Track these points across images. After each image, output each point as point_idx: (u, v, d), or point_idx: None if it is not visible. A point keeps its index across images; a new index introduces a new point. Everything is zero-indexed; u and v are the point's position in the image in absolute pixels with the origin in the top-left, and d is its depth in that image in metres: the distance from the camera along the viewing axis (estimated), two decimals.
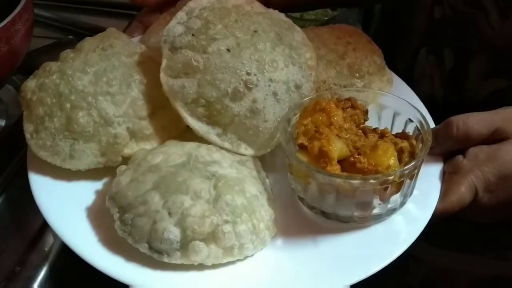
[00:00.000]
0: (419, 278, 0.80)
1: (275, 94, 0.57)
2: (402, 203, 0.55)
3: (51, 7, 0.98)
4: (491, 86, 0.69)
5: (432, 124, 0.60)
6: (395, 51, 0.78)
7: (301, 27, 0.65)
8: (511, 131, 0.56)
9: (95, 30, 0.68)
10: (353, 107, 0.58)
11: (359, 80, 0.66)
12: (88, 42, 0.62)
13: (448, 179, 0.57)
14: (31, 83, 0.59)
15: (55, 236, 0.58)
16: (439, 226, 0.54)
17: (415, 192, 0.56)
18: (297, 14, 1.08)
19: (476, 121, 0.57)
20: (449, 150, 0.59)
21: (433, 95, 0.73)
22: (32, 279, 0.56)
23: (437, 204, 0.55)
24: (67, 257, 0.56)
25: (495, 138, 0.57)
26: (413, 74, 0.75)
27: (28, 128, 0.58)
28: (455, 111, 0.59)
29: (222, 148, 0.58)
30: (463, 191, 0.55)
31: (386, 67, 0.69)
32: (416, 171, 0.53)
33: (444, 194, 0.56)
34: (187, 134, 0.59)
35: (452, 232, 0.68)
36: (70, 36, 0.89)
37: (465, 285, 0.75)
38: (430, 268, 0.78)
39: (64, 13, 0.97)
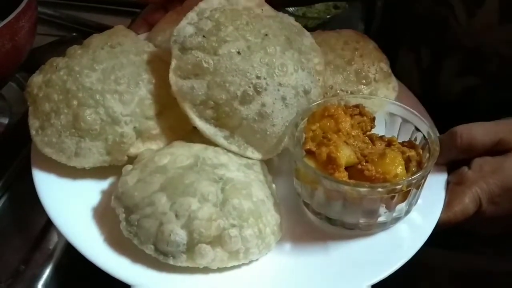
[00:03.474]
0: (397, 274, 0.81)
1: (283, 98, 0.57)
2: (407, 212, 0.55)
3: (54, 4, 0.97)
4: (463, 83, 0.71)
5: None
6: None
7: (304, 25, 0.66)
8: None
9: (98, 28, 0.68)
10: (361, 114, 0.58)
11: (365, 87, 0.66)
12: (96, 39, 0.61)
13: (452, 190, 0.57)
14: (37, 79, 0.58)
15: (60, 234, 0.57)
16: None
17: (419, 201, 0.56)
18: (300, 12, 1.08)
19: (480, 132, 0.58)
20: (452, 159, 0.59)
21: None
22: (37, 277, 0.56)
23: (440, 214, 0.56)
24: (72, 256, 0.55)
25: (498, 148, 0.58)
26: (394, 70, 0.76)
27: (33, 124, 0.57)
28: (431, 108, 0.60)
29: (229, 151, 0.57)
30: (467, 202, 0.56)
31: (392, 75, 0.69)
32: (423, 181, 0.54)
33: (448, 204, 0.56)
34: (193, 135, 0.59)
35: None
36: (74, 34, 0.89)
37: (446, 280, 0.76)
38: (410, 264, 0.79)
39: (67, 10, 0.97)
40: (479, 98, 0.69)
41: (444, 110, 0.66)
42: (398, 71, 0.75)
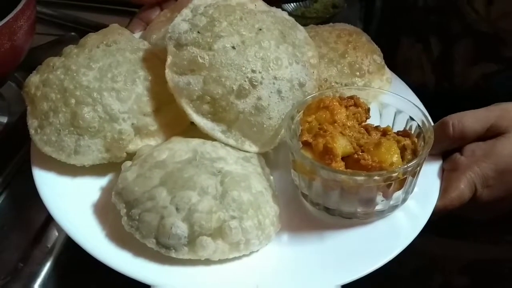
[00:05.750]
0: (410, 268, 0.81)
1: (279, 91, 0.58)
2: (404, 200, 0.56)
3: (52, 4, 0.98)
4: (479, 70, 0.72)
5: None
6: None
7: (303, 25, 0.66)
8: (505, 127, 0.58)
9: (96, 27, 0.69)
10: (355, 105, 0.59)
11: (359, 79, 0.67)
12: (92, 38, 0.62)
13: (447, 177, 0.58)
14: (34, 78, 0.59)
15: (58, 232, 0.58)
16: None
17: (415, 189, 0.57)
18: (299, 12, 1.09)
19: (471, 119, 0.58)
20: (446, 149, 0.60)
21: (424, 83, 0.75)
22: (35, 275, 0.56)
23: (437, 201, 0.56)
24: (70, 254, 0.56)
25: (489, 134, 0.59)
26: (395, 62, 0.76)
27: (32, 123, 0.57)
28: (447, 97, 0.59)
29: (226, 144, 0.58)
30: (462, 188, 0.56)
31: (386, 66, 0.70)
32: (418, 168, 0.54)
33: (444, 191, 0.57)
34: (190, 130, 0.60)
35: (442, 219, 0.70)
36: (72, 33, 0.89)
37: (456, 271, 0.77)
38: (421, 257, 0.80)
39: (66, 10, 0.98)
40: (497, 84, 0.69)
41: (461, 98, 0.66)
42: (406, 65, 0.76)
